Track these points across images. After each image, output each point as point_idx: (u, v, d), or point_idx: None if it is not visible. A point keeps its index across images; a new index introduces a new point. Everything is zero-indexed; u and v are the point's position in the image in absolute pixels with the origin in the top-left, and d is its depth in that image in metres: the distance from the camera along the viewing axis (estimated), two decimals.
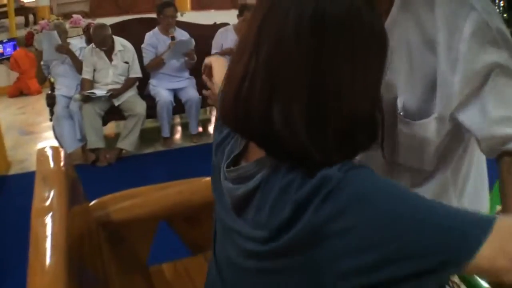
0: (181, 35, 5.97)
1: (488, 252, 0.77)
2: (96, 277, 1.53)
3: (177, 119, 6.95)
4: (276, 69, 0.84)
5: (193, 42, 5.85)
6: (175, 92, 5.94)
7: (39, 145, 5.67)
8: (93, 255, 1.57)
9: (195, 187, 2.12)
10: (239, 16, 6.29)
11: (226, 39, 6.16)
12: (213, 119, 7.15)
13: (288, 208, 0.83)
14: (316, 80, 0.83)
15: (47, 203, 1.32)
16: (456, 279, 3.08)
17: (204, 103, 6.03)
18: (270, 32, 0.86)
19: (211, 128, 6.86)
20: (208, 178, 2.15)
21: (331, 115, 0.83)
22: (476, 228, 0.79)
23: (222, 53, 5.94)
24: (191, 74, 6.12)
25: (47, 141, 5.96)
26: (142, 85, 5.91)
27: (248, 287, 0.98)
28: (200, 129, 6.46)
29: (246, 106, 0.87)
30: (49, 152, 1.64)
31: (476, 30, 1.12)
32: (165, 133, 5.88)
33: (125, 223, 1.92)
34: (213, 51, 6.12)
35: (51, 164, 1.56)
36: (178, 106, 5.92)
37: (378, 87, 0.91)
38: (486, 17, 1.12)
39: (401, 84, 1.24)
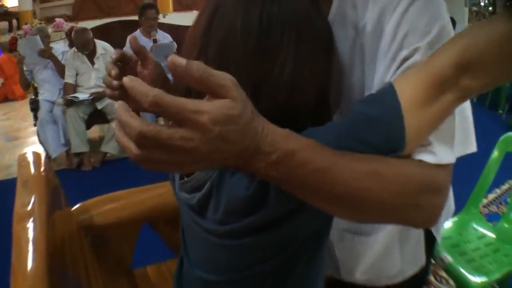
0: (163, 37, 5.99)
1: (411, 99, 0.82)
2: (79, 281, 1.55)
3: (161, 121, 6.90)
4: (224, 67, 0.86)
5: (175, 45, 5.87)
6: None
7: (25, 150, 5.67)
8: (76, 259, 1.58)
9: None
10: None
11: None
12: None
13: (246, 205, 0.88)
14: (261, 78, 0.88)
15: (28, 208, 1.34)
16: (443, 274, 3.09)
17: None
18: (217, 32, 0.90)
19: None
20: None
21: (275, 108, 0.86)
22: (384, 97, 0.84)
23: None
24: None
25: (33, 146, 5.96)
26: None
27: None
28: None
29: None
30: (30, 158, 1.66)
31: (403, 18, 0.93)
32: None
33: (107, 227, 1.93)
34: None
35: (32, 169, 1.58)
36: None
37: (325, 83, 0.96)
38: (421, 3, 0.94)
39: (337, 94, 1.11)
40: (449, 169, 0.88)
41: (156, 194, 2.10)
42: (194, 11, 12.19)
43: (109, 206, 1.98)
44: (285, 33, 0.88)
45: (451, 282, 2.96)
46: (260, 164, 0.72)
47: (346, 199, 0.80)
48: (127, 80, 0.64)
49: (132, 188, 2.14)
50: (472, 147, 1.13)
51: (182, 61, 0.64)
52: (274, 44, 0.88)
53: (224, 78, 0.66)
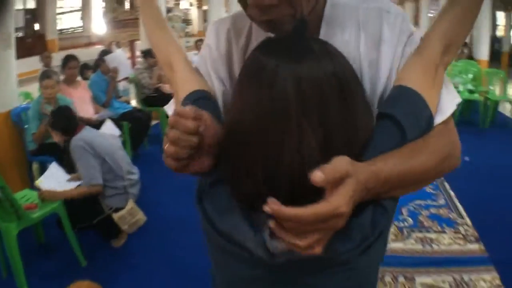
0: None
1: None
2: None
3: None
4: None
5: None
6: None
7: None
8: None
9: None
10: None
11: None
12: None
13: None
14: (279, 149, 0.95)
15: None
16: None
17: None
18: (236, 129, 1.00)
19: None
20: None
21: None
22: (408, 98, 1.09)
23: None
24: None
25: None
26: None
27: None
28: None
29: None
30: None
31: (394, 27, 1.21)
32: None
33: None
34: None
35: None
36: None
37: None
38: (401, 16, 1.23)
39: None
40: (452, 121, 1.14)
41: None
42: None
43: None
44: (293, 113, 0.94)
45: None
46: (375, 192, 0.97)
47: (415, 182, 1.07)
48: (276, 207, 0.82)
49: None
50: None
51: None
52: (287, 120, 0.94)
53: (339, 170, 0.86)
